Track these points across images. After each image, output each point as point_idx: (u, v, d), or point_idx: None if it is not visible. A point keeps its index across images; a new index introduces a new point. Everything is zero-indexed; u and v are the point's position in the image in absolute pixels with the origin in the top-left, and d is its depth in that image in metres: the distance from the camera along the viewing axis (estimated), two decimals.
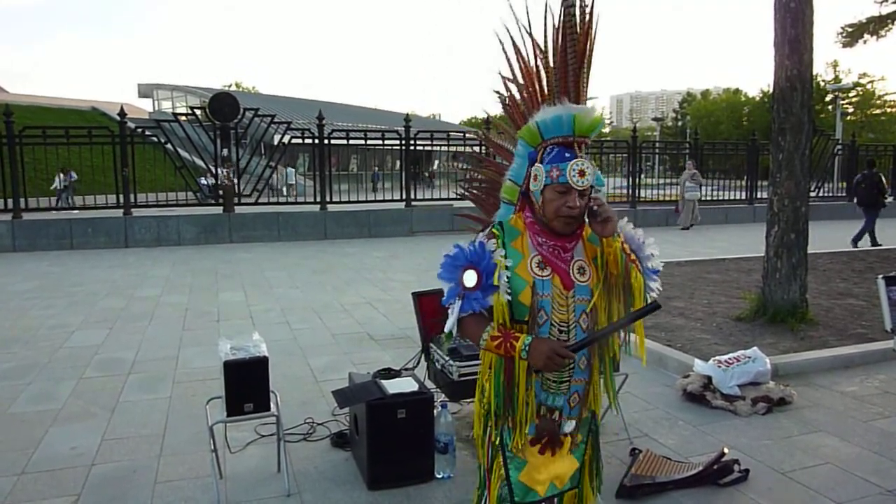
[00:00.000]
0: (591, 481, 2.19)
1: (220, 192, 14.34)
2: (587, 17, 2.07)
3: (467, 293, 1.93)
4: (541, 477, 2.05)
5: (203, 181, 17.52)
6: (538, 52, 2.19)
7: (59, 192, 19.14)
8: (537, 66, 2.21)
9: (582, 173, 1.90)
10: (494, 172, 2.45)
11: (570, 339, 1.94)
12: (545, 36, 2.18)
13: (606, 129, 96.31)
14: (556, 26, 2.13)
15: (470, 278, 1.92)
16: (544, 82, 2.19)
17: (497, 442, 2.06)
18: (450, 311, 1.97)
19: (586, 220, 2.01)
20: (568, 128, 1.96)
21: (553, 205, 1.91)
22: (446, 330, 1.99)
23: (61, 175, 19.00)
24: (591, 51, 2.09)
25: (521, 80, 2.29)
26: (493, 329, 1.92)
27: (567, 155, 1.93)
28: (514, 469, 2.05)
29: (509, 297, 1.92)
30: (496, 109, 2.51)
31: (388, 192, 16.09)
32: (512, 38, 2.25)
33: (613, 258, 1.95)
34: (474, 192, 2.65)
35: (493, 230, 2.00)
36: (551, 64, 2.15)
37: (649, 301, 2.01)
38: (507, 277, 1.92)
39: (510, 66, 2.30)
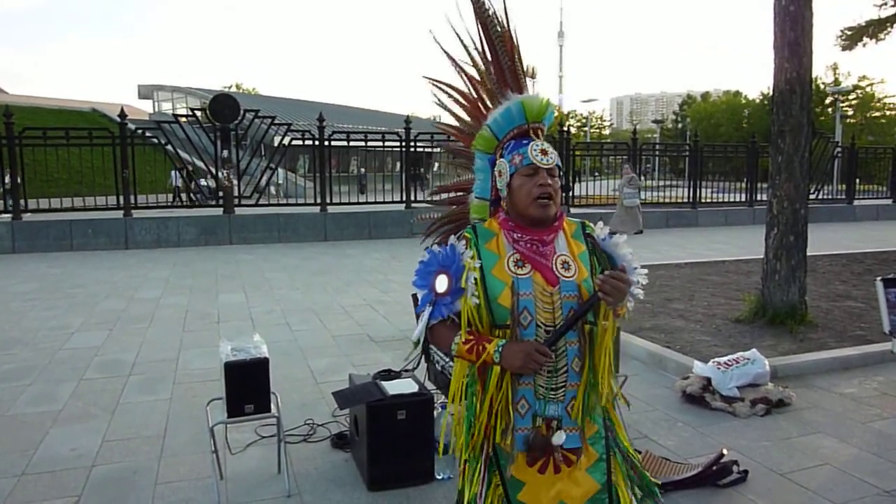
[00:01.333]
0: None
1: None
2: (504, 10, 2.07)
3: (439, 299, 1.84)
4: (543, 498, 1.86)
5: (203, 182, 17.53)
6: (472, 68, 2.15)
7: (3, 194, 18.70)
8: (477, 90, 2.15)
9: (544, 152, 1.86)
10: (463, 209, 2.30)
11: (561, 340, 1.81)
12: (473, 58, 2.15)
13: (607, 132, 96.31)
14: (482, 40, 2.10)
15: (441, 283, 1.83)
16: (487, 101, 2.12)
17: (492, 462, 1.89)
18: (420, 318, 1.87)
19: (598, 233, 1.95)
20: (519, 116, 1.95)
21: (524, 189, 1.84)
22: (413, 338, 1.90)
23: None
24: (519, 50, 2.08)
25: (461, 112, 2.23)
26: (465, 332, 1.81)
27: (525, 141, 1.90)
28: (512, 490, 1.87)
29: (476, 301, 1.80)
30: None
31: (388, 193, 16.08)
32: (438, 80, 2.22)
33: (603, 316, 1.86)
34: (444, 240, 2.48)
35: (466, 233, 1.90)
36: (485, 75, 2.11)
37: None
38: (475, 280, 1.81)
39: (447, 101, 2.26)
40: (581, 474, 1.87)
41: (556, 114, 2.10)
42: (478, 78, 2.15)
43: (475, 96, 2.16)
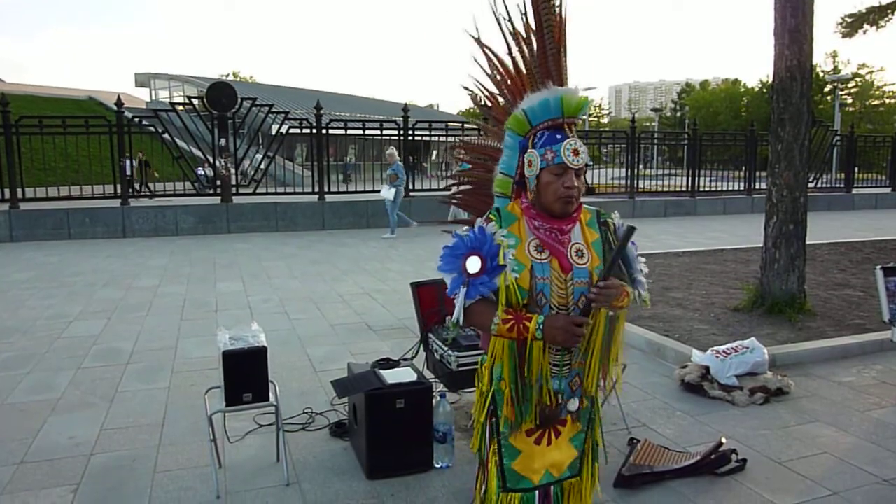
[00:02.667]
0: (591, 472, 2.17)
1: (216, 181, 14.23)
2: (559, 3, 2.13)
3: (472, 279, 1.91)
4: (535, 465, 2.04)
5: (200, 171, 17.49)
6: (514, 44, 2.21)
7: None
8: (514, 59, 2.23)
9: (576, 152, 1.91)
10: (482, 172, 2.43)
11: None
12: (515, 28, 2.21)
13: (605, 120, 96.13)
14: (528, 16, 2.16)
15: (473, 264, 1.91)
16: (523, 73, 2.21)
17: (493, 429, 2.04)
18: (455, 300, 1.93)
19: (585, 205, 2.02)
20: (556, 110, 1.98)
21: (551, 187, 1.91)
22: (453, 320, 1.96)
23: None
24: (565, 36, 2.14)
25: (497, 77, 2.32)
26: (503, 312, 1.89)
27: (559, 136, 1.95)
28: (507, 457, 2.04)
29: (517, 275, 1.89)
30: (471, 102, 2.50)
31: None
32: (480, 40, 2.28)
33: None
34: (458, 197, 2.65)
35: (490, 216, 1.99)
36: (527, 54, 2.18)
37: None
38: (513, 255, 1.91)
39: (484, 65, 2.33)
40: (565, 443, 2.07)
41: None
42: (518, 46, 2.20)
43: (514, 72, 2.22)
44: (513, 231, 1.96)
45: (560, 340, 1.86)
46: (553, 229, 1.95)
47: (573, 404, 2.00)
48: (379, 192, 13.94)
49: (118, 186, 13.50)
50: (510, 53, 2.23)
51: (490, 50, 2.29)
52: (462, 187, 2.61)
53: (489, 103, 2.41)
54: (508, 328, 1.87)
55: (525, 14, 2.18)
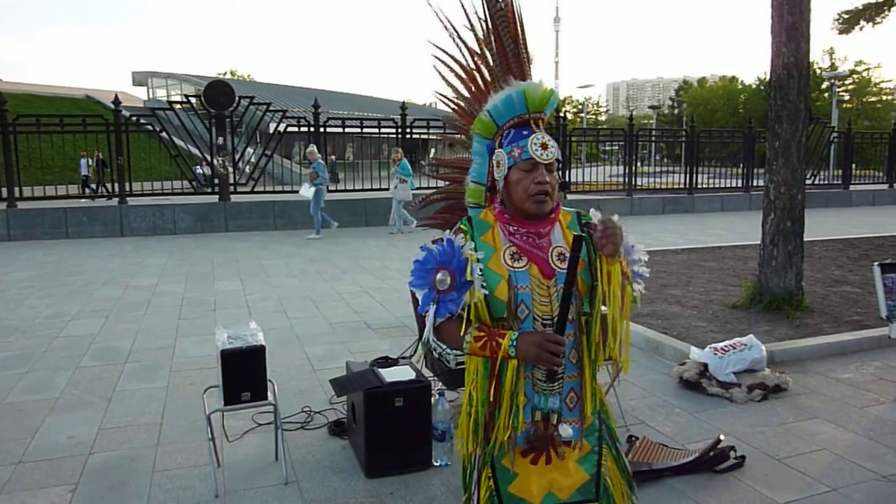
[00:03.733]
0: (620, 497, 1.91)
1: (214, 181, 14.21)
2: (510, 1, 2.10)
3: (442, 296, 1.77)
4: (533, 487, 1.83)
5: (198, 170, 17.47)
6: (474, 51, 2.19)
7: None
8: (476, 65, 2.19)
9: (544, 146, 1.79)
10: (457, 187, 2.33)
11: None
12: (474, 32, 2.20)
13: (603, 117, 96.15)
14: (485, 17, 2.14)
15: (443, 280, 1.77)
16: (487, 76, 2.17)
17: (486, 453, 1.86)
18: (426, 318, 1.79)
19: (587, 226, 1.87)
20: (520, 105, 1.86)
21: (521, 185, 1.78)
22: (424, 338, 1.83)
23: None
24: (523, 31, 2.10)
25: (461, 87, 2.28)
26: (475, 329, 1.76)
27: (525, 133, 1.82)
28: (503, 481, 1.84)
29: (486, 292, 1.76)
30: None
31: (385, 180, 16.04)
32: (444, 49, 2.27)
33: (607, 277, 1.75)
34: (439, 217, 2.61)
35: (461, 226, 1.86)
36: (489, 58, 2.15)
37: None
38: (481, 270, 1.76)
39: (447, 76, 2.30)
40: (572, 465, 1.85)
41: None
42: (478, 52, 2.17)
43: (474, 71, 2.18)
44: (486, 240, 1.82)
45: (532, 357, 1.70)
46: (530, 234, 1.80)
47: (565, 430, 1.79)
48: (379, 190, 13.91)
49: (116, 185, 13.47)
50: (472, 59, 2.20)
51: (452, 58, 2.26)
52: (438, 202, 2.53)
53: (458, 116, 2.36)
54: (480, 346, 1.75)
55: (482, 19, 2.15)
